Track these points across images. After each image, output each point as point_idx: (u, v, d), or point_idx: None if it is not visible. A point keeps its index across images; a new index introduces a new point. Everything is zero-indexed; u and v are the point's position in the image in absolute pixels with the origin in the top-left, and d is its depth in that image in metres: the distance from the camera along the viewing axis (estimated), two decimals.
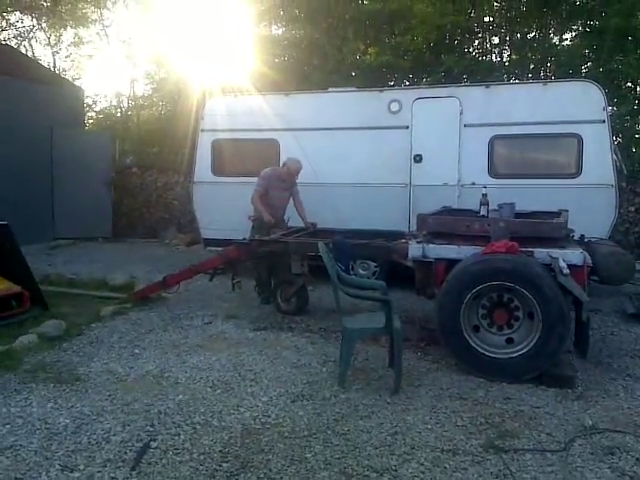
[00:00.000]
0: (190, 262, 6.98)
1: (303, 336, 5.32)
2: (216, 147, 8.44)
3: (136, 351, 4.81)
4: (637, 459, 3.09)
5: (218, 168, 8.45)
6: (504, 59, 14.67)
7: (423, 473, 2.93)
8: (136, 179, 13.00)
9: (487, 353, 4.29)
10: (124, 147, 15.24)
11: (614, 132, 8.53)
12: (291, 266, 6.03)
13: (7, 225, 5.58)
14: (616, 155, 7.04)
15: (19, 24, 18.34)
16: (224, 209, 7.93)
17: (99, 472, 2.91)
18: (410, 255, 4.80)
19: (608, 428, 3.45)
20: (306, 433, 3.37)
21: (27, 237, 7.82)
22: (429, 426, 3.47)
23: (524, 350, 4.19)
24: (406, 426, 3.46)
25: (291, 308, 6.13)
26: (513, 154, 7.40)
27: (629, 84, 12.15)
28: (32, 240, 9.19)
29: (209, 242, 8.37)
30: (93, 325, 5.49)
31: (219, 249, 7.03)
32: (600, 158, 6.76)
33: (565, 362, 4.30)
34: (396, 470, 2.96)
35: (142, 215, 12.80)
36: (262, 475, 2.90)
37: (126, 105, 17.83)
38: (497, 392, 4.00)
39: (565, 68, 11.86)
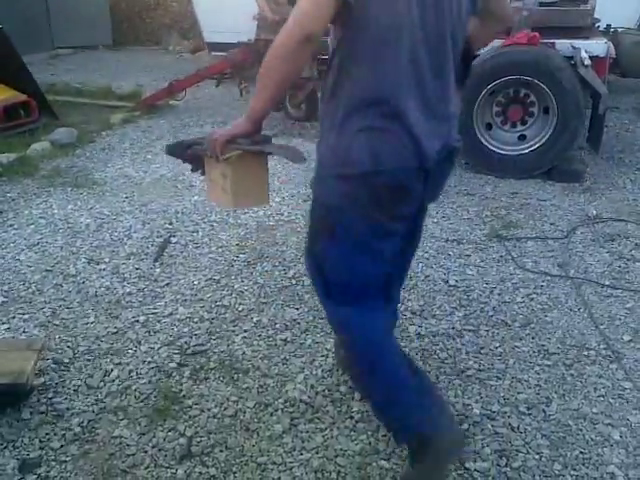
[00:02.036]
0: (195, 69, 6.71)
1: (313, 142, 5.23)
2: None
3: (149, 157, 4.83)
4: (636, 244, 3.21)
5: None
6: None
7: (427, 259, 3.09)
8: None
9: (498, 150, 4.27)
10: None
11: None
12: None
13: (1, 29, 5.28)
14: None
15: None
16: (226, 9, 7.34)
17: (124, 264, 3.09)
18: None
19: (611, 217, 3.54)
20: None
21: (25, 47, 7.42)
22: (435, 220, 3.57)
23: (536, 146, 4.16)
24: None
25: (301, 114, 6.00)
26: None
27: None
28: (30, 50, 8.76)
29: (213, 47, 7.94)
30: (104, 133, 5.47)
31: (224, 54, 6.70)
32: None
33: (576, 158, 4.28)
34: None
35: (142, 21, 12.06)
36: (277, 264, 3.07)
37: None
38: (505, 188, 4.05)
39: None
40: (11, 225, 3.54)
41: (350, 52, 1.45)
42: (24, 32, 8.92)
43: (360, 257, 1.60)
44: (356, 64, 1.45)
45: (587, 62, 3.89)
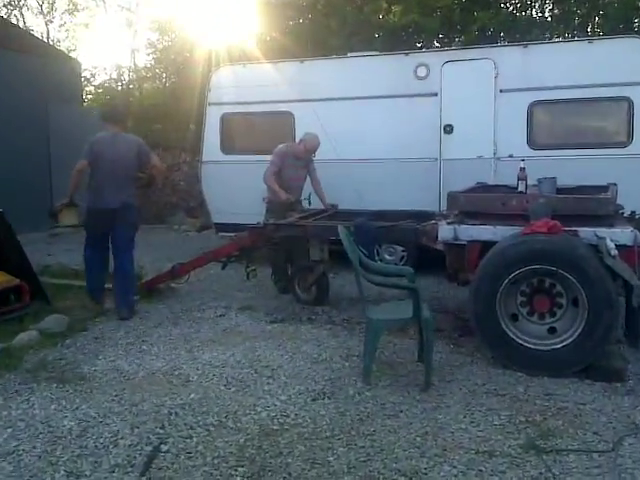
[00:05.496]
0: (201, 249, 7.06)
1: (324, 328, 5.37)
2: (225, 122, 8.48)
3: (144, 347, 4.90)
4: None
5: (228, 145, 8.49)
6: (545, 14, 14.41)
7: (456, 477, 2.96)
8: None
9: (527, 344, 4.27)
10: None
11: None
12: (310, 252, 6.06)
13: (1, 213, 5.68)
14: None
15: None
16: (236, 191, 7.97)
17: (106, 478, 2.98)
18: (440, 237, 4.79)
19: None
20: (328, 434, 3.41)
21: (25, 225, 7.95)
22: (463, 425, 3.48)
23: (568, 340, 4.17)
24: (437, 426, 3.49)
25: (311, 298, 6.17)
26: (555, 122, 7.32)
27: None
28: (30, 228, 9.34)
29: (221, 227, 8.45)
30: (98, 320, 5.60)
31: (232, 235, 7.09)
32: None
33: (614, 353, 4.27)
34: (426, 474, 2.99)
35: (147, 199, 12.93)
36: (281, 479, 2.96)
37: (127, 78, 17.98)
38: (538, 387, 4.00)
39: (615, 22, 11.61)
40: None
41: (92, 172, 5.82)
42: (24, 209, 9.54)
43: (90, 231, 5.99)
44: (93, 177, 5.82)
45: (614, 252, 4.04)
